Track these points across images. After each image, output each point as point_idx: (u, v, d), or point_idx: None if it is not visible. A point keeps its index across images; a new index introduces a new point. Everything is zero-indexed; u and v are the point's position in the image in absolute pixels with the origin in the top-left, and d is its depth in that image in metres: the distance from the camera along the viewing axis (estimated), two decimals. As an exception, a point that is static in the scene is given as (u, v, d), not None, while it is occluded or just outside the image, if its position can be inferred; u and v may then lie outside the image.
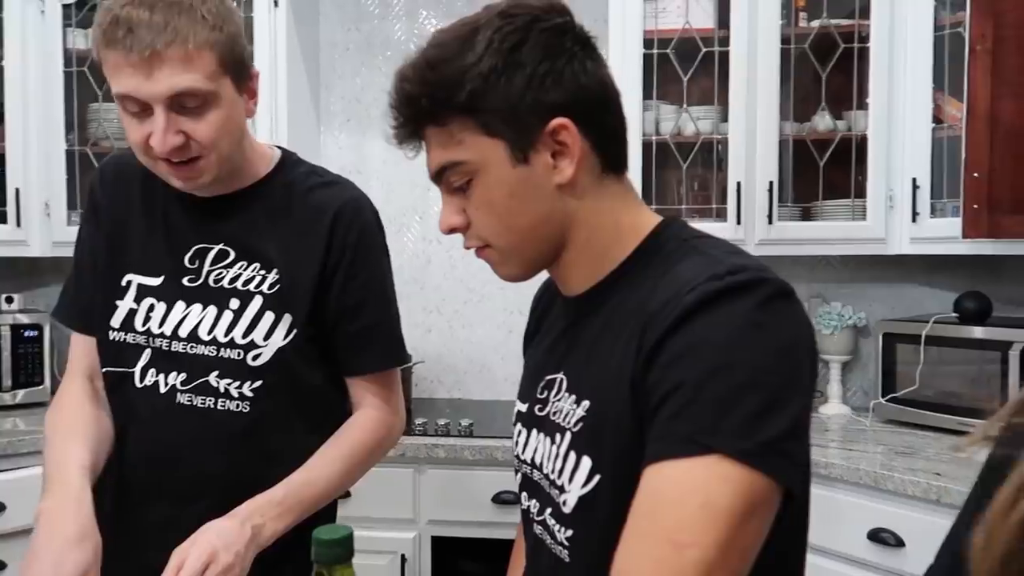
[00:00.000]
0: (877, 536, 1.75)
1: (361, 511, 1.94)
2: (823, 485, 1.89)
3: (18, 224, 2.35)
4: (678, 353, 0.67)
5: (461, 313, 2.63)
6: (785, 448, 0.63)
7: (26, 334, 2.37)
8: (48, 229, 2.40)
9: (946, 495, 1.66)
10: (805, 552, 0.79)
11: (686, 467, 0.62)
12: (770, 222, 2.18)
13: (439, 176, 0.79)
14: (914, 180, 2.09)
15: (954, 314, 2.16)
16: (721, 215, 2.24)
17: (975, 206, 1.81)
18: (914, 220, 2.09)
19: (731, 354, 0.64)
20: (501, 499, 2.04)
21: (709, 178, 2.31)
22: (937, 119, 2.08)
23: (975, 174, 1.80)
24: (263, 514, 1.00)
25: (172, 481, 1.09)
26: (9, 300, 2.44)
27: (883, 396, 2.19)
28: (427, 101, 0.75)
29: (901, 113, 2.13)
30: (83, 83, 2.42)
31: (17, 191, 2.35)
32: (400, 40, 2.64)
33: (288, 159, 1.20)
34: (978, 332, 2.01)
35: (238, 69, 1.03)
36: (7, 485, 1.95)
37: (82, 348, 1.18)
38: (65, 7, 2.38)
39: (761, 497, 0.62)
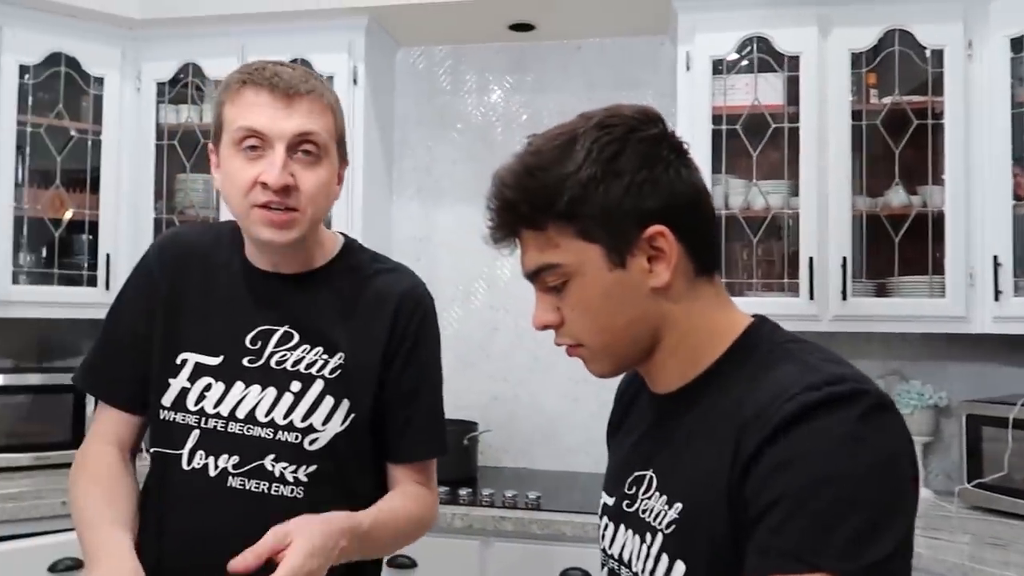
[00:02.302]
0: (967, 635, 1.66)
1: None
2: None
3: (107, 287, 2.46)
4: (777, 464, 0.67)
5: (527, 381, 2.63)
6: (889, 570, 0.62)
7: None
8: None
9: (1043, 594, 1.57)
10: None
11: None
12: (844, 298, 2.14)
13: (534, 275, 0.82)
14: (995, 257, 2.04)
15: (1042, 396, 2.08)
16: (792, 289, 2.21)
17: (1064, 287, 1.75)
18: (996, 299, 2.04)
19: (832, 468, 0.64)
20: (568, 576, 2.00)
21: (778, 252, 2.29)
22: (1017, 196, 2.03)
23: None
24: (350, 540, 1.00)
25: (215, 567, 0.96)
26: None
27: (968, 481, 2.10)
28: (526, 207, 0.78)
29: (980, 189, 2.10)
30: (172, 156, 2.56)
31: (108, 256, 2.47)
32: (471, 114, 2.72)
33: (351, 245, 1.23)
34: (1070, 417, 1.93)
35: (342, 143, 1.16)
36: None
37: (108, 416, 1.18)
38: (159, 85, 2.54)
39: None
